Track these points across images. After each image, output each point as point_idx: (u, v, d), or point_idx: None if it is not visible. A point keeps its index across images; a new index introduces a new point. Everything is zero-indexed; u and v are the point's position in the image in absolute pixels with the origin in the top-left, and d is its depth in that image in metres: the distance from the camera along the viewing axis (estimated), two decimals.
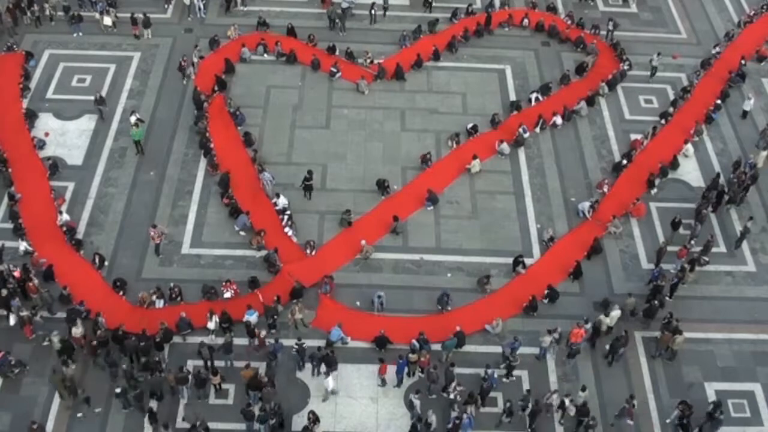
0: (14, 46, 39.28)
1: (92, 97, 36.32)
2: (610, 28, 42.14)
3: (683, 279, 30.44)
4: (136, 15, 39.95)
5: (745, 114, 38.04)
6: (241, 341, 28.23)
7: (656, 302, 29.11)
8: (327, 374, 26.87)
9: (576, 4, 44.87)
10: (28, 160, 34.05)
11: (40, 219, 31.57)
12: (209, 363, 27.19)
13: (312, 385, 27.48)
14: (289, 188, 33.76)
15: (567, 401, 26.52)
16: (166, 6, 42.46)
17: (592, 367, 28.51)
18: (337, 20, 41.87)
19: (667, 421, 27.00)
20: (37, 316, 28.28)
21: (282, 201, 32.72)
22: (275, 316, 28.56)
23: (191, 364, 27.52)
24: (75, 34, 40.52)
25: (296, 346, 27.20)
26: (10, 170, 33.35)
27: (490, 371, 27.00)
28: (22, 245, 30.55)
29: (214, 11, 42.83)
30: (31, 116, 36.02)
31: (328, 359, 27.12)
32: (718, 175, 34.71)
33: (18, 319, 27.88)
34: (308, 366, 27.59)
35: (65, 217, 31.58)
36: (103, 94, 37.19)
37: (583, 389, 26.72)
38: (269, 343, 27.57)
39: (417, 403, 26.33)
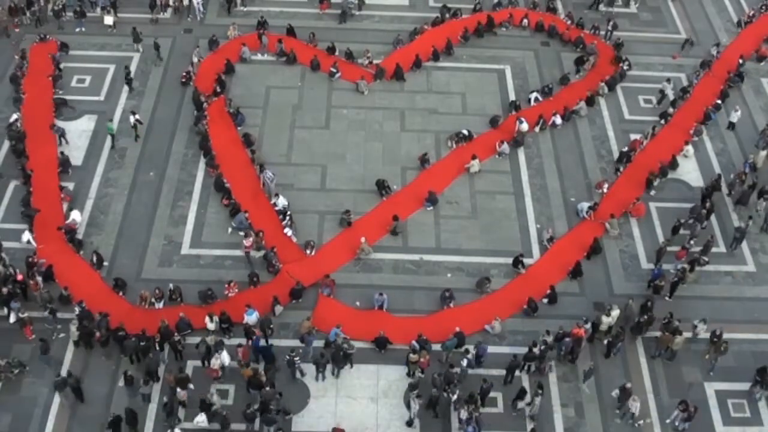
0: (46, 36, 39.44)
1: (92, 98, 36.76)
2: (610, 28, 42.17)
3: (683, 279, 30.45)
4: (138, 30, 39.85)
5: (732, 125, 37.65)
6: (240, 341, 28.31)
7: (647, 317, 28.84)
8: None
9: (576, 4, 44.86)
10: (46, 152, 34.16)
11: (45, 215, 31.54)
12: (205, 362, 27.32)
13: (312, 385, 27.46)
14: (289, 188, 33.75)
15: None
16: (161, 14, 42.39)
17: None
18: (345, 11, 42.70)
19: (667, 421, 27.00)
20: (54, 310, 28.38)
21: (281, 201, 32.71)
22: (271, 326, 28.40)
23: (191, 365, 27.56)
24: (78, 29, 40.57)
25: (288, 357, 26.90)
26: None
27: (482, 346, 27.50)
28: (26, 236, 30.55)
29: (214, 11, 42.85)
30: (60, 105, 36.60)
31: (335, 355, 27.19)
32: (718, 180, 34.67)
33: (18, 320, 27.89)
34: (309, 367, 27.55)
35: (75, 215, 31.60)
36: (103, 94, 37.51)
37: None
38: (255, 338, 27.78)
39: (414, 407, 26.20)
